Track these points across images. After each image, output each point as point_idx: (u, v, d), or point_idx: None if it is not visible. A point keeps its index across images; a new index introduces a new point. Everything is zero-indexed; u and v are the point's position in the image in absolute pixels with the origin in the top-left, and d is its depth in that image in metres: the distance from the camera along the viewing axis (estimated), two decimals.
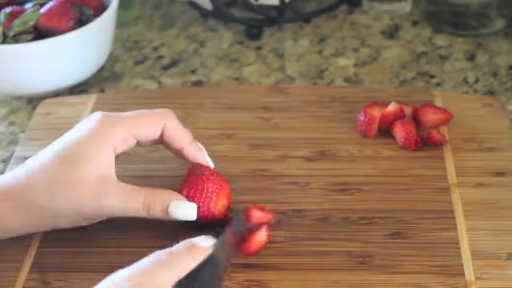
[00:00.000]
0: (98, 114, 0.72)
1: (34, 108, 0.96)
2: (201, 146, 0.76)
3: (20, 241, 0.74)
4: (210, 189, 0.72)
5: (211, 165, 0.76)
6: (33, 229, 0.72)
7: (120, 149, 0.73)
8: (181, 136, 0.75)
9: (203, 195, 0.72)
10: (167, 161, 0.81)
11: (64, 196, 0.69)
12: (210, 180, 0.73)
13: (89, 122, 0.72)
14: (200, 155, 0.76)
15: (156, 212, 0.71)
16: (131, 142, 0.73)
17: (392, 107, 0.85)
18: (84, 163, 0.69)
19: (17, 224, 0.70)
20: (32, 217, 0.70)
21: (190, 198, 0.72)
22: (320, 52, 1.06)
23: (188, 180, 0.73)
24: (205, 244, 0.64)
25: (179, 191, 0.72)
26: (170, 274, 0.61)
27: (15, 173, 0.71)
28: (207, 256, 0.64)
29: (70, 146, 0.70)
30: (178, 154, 0.76)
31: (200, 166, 0.75)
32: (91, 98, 0.93)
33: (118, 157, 0.76)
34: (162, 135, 0.74)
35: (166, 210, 0.71)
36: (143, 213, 0.71)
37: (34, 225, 0.71)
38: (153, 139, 0.74)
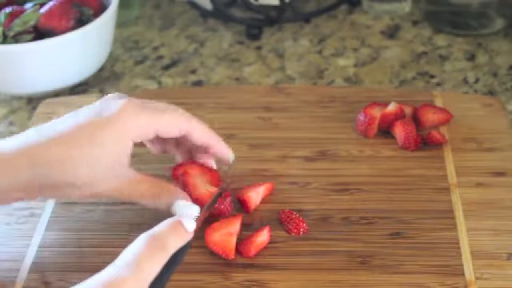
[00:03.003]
0: (124, 98, 0.71)
1: (34, 108, 0.96)
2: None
3: (20, 241, 0.74)
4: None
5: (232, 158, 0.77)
6: (32, 195, 0.70)
7: (139, 139, 0.72)
8: (210, 140, 0.75)
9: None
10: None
11: (74, 169, 0.68)
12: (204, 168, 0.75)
13: (115, 104, 0.70)
14: (228, 153, 0.76)
15: (161, 205, 0.71)
16: (151, 134, 0.72)
17: (392, 107, 0.85)
18: (102, 146, 0.68)
19: (22, 182, 0.68)
20: (35, 181, 0.68)
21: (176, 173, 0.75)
22: (320, 52, 1.06)
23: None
24: (189, 227, 0.65)
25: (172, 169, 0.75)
26: (160, 260, 0.62)
27: (32, 135, 0.69)
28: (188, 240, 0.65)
29: (93, 122, 0.69)
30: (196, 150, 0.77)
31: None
32: (91, 98, 0.93)
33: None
34: (188, 137, 0.74)
35: (170, 206, 0.71)
36: (147, 200, 0.71)
37: (33, 191, 0.69)
38: (172, 137, 0.74)
